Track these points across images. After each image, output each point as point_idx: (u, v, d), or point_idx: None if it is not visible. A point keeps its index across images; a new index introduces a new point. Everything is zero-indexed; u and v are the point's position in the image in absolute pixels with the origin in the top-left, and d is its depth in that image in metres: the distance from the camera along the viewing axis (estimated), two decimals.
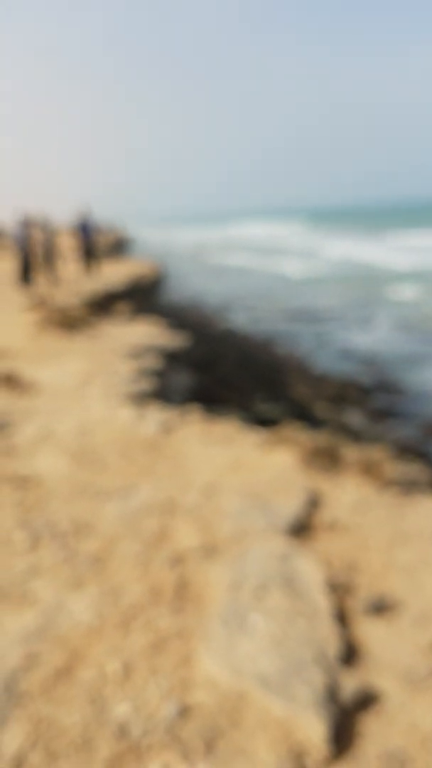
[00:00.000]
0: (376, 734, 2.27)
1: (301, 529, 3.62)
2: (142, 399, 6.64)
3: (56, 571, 3.28)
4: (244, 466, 4.55)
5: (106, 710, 2.37)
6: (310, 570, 3.11)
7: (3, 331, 10.54)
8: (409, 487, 4.31)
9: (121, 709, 2.37)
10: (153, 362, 8.52)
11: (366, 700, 2.41)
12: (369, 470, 4.24)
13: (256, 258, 63.66)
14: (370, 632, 2.80)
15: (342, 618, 2.88)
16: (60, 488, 4.26)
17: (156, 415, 5.85)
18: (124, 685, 2.50)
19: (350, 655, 2.65)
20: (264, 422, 12.64)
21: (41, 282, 16.95)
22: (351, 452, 4.51)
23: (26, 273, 16.31)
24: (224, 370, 17.42)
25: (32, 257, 16.35)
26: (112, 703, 2.41)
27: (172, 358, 10.19)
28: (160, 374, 8.68)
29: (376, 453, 4.34)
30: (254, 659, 2.53)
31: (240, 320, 29.44)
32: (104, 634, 2.81)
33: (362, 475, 4.26)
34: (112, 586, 3.13)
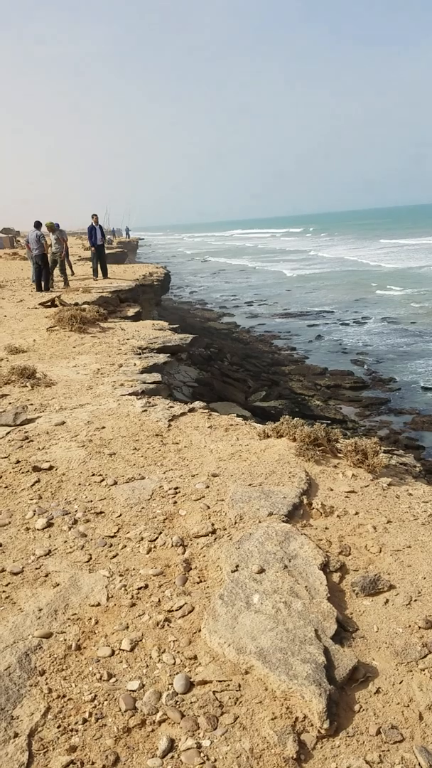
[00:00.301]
0: (373, 710, 2.24)
1: (300, 514, 3.58)
2: (149, 392, 6.61)
3: (70, 554, 3.25)
4: (245, 455, 4.51)
5: (117, 686, 2.35)
6: (308, 553, 3.08)
7: (20, 330, 10.51)
8: (401, 475, 4.28)
9: (130, 686, 2.34)
10: (160, 358, 8.48)
11: (362, 677, 2.38)
12: (363, 459, 4.20)
13: (256, 260, 63.53)
14: (366, 612, 2.77)
15: (338, 598, 2.85)
16: (73, 476, 4.23)
17: (163, 408, 5.82)
18: (134, 662, 2.47)
19: (346, 633, 2.62)
20: (263, 414, 12.61)
21: (55, 284, 16.89)
22: (346, 442, 4.46)
23: (42, 277, 16.25)
24: (226, 364, 17.39)
25: (47, 262, 16.29)
26: (122, 679, 2.38)
27: (178, 353, 10.16)
28: (166, 369, 8.65)
29: (370, 443, 4.29)
30: (255, 637, 2.50)
31: (241, 317, 29.39)
32: (115, 613, 2.78)
33: (357, 463, 4.22)
34: (122, 568, 3.10)
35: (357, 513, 3.58)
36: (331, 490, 3.89)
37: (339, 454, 4.47)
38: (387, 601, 2.82)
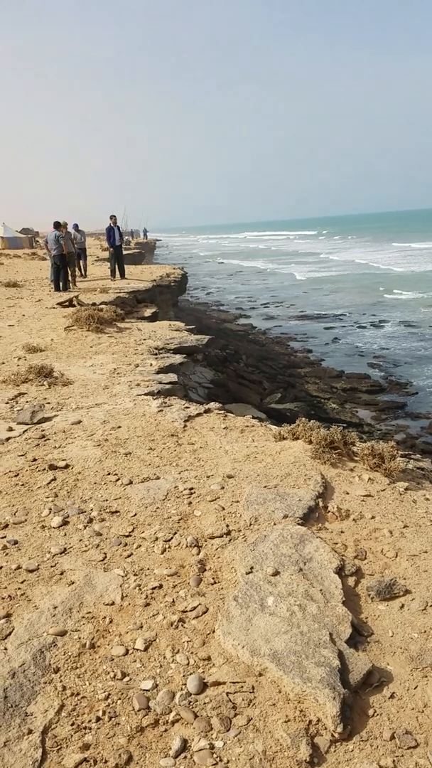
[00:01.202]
0: (387, 715, 2.22)
1: (315, 517, 3.56)
2: (165, 393, 6.62)
3: (85, 552, 3.27)
4: (260, 457, 4.50)
5: (131, 685, 2.35)
6: (323, 556, 3.06)
7: (38, 329, 10.59)
8: (418, 479, 4.24)
9: (144, 685, 2.34)
10: (176, 358, 8.50)
11: (377, 682, 2.36)
12: (380, 463, 4.17)
13: (272, 262, 63.47)
14: (381, 616, 2.75)
15: (353, 602, 2.83)
16: (89, 475, 4.25)
17: (178, 408, 5.83)
18: (148, 661, 2.48)
19: (361, 637, 2.61)
20: (279, 416, 12.58)
21: (73, 285, 17.00)
22: (362, 446, 4.44)
23: (60, 277, 16.38)
24: (242, 366, 17.38)
25: (65, 263, 16.42)
26: (136, 678, 2.39)
27: (194, 354, 10.17)
28: (182, 370, 8.67)
29: (387, 447, 4.26)
30: (270, 640, 2.50)
31: (257, 318, 29.37)
32: (129, 612, 2.78)
33: (373, 467, 4.19)
34: (137, 568, 3.11)
35: (373, 517, 3.56)
36: (347, 493, 3.87)
37: (355, 458, 4.45)
38: (402, 606, 2.80)
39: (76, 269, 18.44)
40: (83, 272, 20.17)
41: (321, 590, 2.81)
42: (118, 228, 18.85)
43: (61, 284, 16.33)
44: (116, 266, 18.97)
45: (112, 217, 18.58)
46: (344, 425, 11.88)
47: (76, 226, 19.89)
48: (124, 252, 21.01)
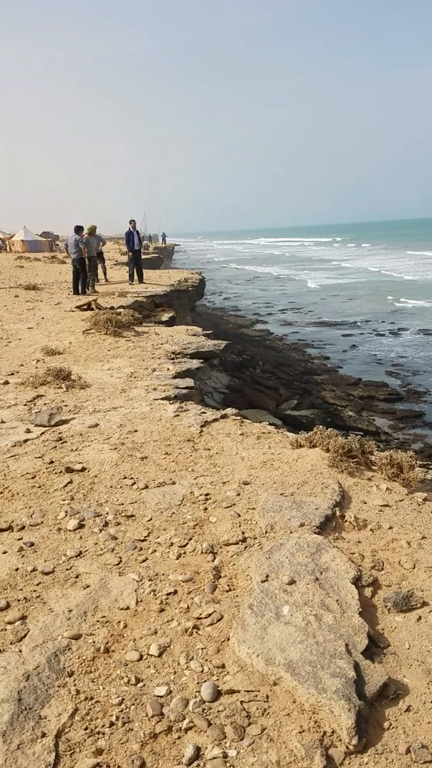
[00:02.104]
0: (402, 728, 2.19)
1: (332, 526, 3.54)
2: (182, 397, 6.63)
3: (100, 556, 3.28)
4: (277, 464, 4.49)
5: (145, 691, 2.35)
6: (340, 566, 3.04)
7: (57, 332, 10.68)
8: None
9: (158, 691, 2.34)
10: (193, 363, 8.51)
11: (393, 694, 2.34)
12: (398, 473, 4.14)
13: (289, 268, 63.40)
14: (397, 628, 2.72)
15: (370, 613, 2.81)
16: (105, 478, 4.27)
17: (195, 413, 5.84)
18: (162, 667, 2.48)
19: (377, 649, 2.58)
20: (295, 423, 12.54)
21: (92, 289, 17.11)
22: (380, 455, 4.41)
23: (79, 281, 16.52)
24: (258, 372, 17.36)
25: (84, 266, 16.55)
26: (150, 684, 2.38)
27: (210, 359, 10.18)
28: (198, 375, 8.68)
29: (405, 456, 4.23)
30: (285, 649, 2.48)
31: (274, 324, 29.33)
32: (144, 617, 2.78)
33: (391, 477, 4.16)
34: (152, 573, 3.11)
35: (391, 527, 3.53)
36: (365, 503, 3.84)
37: (373, 467, 4.42)
38: (420, 618, 2.77)
39: (97, 274, 18.56)
40: (104, 277, 20.27)
41: (337, 600, 2.79)
42: (137, 232, 18.96)
43: (80, 288, 16.46)
44: (135, 270, 19.07)
45: (132, 222, 18.69)
46: (361, 433, 11.81)
47: (94, 230, 20.07)
48: (143, 256, 21.11)
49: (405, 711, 2.27)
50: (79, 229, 16.80)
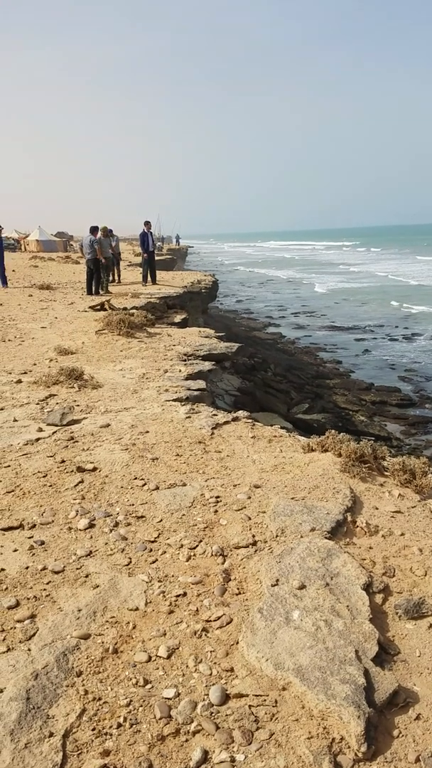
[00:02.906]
0: (412, 736, 2.17)
1: (343, 531, 3.52)
2: (193, 399, 6.63)
3: (110, 556, 3.28)
4: (288, 468, 4.47)
5: (153, 693, 2.35)
6: (350, 572, 3.02)
7: (70, 332, 10.72)
8: None
9: (166, 693, 2.34)
10: (205, 365, 8.51)
11: (402, 702, 2.32)
12: (411, 479, 4.11)
13: (302, 271, 63.30)
14: (408, 635, 2.70)
15: (380, 620, 2.78)
16: (116, 478, 4.27)
17: (206, 415, 5.83)
18: (170, 669, 2.47)
19: (388, 656, 2.56)
20: (306, 427, 12.50)
21: (106, 289, 17.18)
22: (393, 461, 4.38)
23: (93, 282, 16.59)
24: (269, 375, 17.32)
25: (99, 267, 16.63)
26: (158, 686, 2.38)
27: (222, 362, 10.18)
28: (210, 377, 8.67)
29: (419, 463, 4.20)
30: (294, 654, 2.47)
31: (287, 328, 29.28)
32: (153, 619, 2.78)
33: (404, 483, 4.13)
34: (161, 574, 3.11)
35: (402, 534, 3.50)
36: (377, 509, 3.81)
37: (385, 473, 4.39)
38: (431, 625, 2.74)
39: (111, 275, 18.64)
40: (117, 278, 20.33)
41: (347, 606, 2.77)
42: (151, 234, 19.01)
43: (93, 288, 16.53)
44: (148, 271, 19.13)
45: (147, 223, 18.74)
46: (372, 438, 11.75)
47: (110, 231, 20.15)
48: (156, 258, 21.17)
49: (415, 719, 2.25)
50: (94, 230, 16.88)
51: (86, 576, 3.10)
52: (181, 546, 3.37)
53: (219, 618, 2.76)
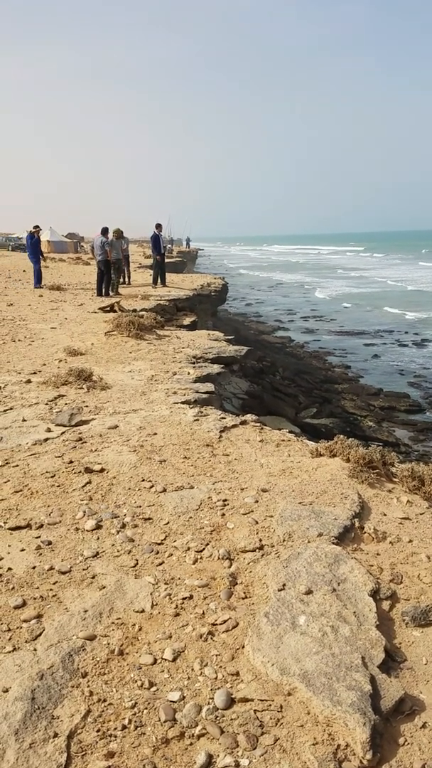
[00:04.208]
0: (418, 744, 2.16)
1: (351, 537, 3.51)
2: (202, 402, 6.63)
3: (117, 557, 3.28)
4: (296, 472, 4.46)
5: (158, 695, 2.34)
6: (358, 578, 3.01)
7: (80, 333, 10.75)
8: None
9: (171, 696, 2.33)
10: (213, 368, 8.51)
11: (409, 710, 2.30)
12: (419, 486, 4.09)
13: (310, 275, 63.23)
14: (415, 643, 2.68)
15: (387, 626, 2.77)
16: (124, 480, 4.28)
17: (215, 418, 5.83)
18: (176, 672, 2.47)
19: (394, 663, 2.55)
20: (313, 432, 12.47)
21: (116, 291, 17.23)
22: (401, 467, 4.36)
23: (103, 283, 16.64)
24: (277, 378, 17.31)
25: (109, 268, 16.68)
26: (163, 689, 2.38)
27: (231, 365, 10.18)
28: (218, 380, 8.68)
29: (428, 469, 4.18)
30: (300, 659, 2.46)
31: (296, 332, 29.25)
32: (159, 621, 2.78)
33: (413, 490, 4.11)
34: (168, 577, 3.11)
35: (411, 541, 3.49)
36: (385, 515, 3.80)
37: (394, 479, 4.37)
38: None
39: (122, 276, 18.71)
40: (127, 279, 20.38)
41: (354, 612, 2.76)
42: (162, 237, 19.05)
43: (103, 289, 16.59)
44: (158, 274, 19.16)
45: (158, 226, 18.77)
46: (380, 444, 11.71)
47: (121, 233, 20.22)
48: (166, 260, 21.21)
49: (421, 727, 2.24)
50: (105, 231, 16.94)
51: (93, 577, 3.10)
52: (188, 549, 3.37)
53: (225, 622, 2.76)
